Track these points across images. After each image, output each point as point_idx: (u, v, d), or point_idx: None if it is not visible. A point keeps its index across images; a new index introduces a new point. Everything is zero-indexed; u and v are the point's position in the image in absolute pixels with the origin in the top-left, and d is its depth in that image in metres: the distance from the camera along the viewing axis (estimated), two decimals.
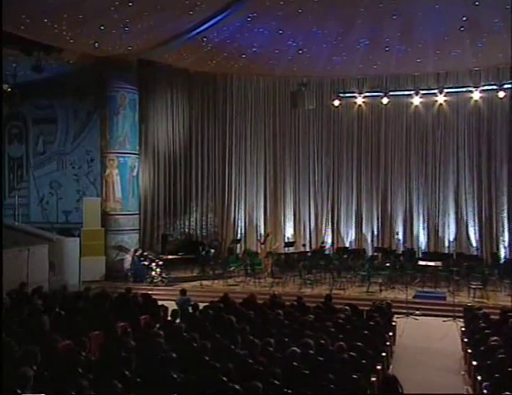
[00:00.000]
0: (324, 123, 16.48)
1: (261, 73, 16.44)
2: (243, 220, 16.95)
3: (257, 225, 16.86)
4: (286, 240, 16.18)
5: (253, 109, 16.90)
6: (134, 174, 15.22)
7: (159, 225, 16.53)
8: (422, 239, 15.49)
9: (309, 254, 14.75)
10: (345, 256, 14.40)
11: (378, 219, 16.02)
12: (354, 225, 16.18)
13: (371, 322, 7.63)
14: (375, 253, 14.76)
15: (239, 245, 16.52)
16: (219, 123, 17.01)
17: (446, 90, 14.42)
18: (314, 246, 16.12)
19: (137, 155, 15.41)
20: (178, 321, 7.62)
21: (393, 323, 9.06)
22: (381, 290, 12.35)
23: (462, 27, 12.10)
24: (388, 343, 7.64)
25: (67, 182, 17.22)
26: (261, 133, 16.92)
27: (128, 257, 14.57)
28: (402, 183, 15.85)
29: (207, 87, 16.90)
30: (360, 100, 15.36)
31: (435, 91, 14.49)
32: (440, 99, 14.55)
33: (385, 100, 14.88)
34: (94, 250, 14.19)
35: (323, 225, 16.45)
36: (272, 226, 16.65)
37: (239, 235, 16.81)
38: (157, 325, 7.37)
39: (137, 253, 14.27)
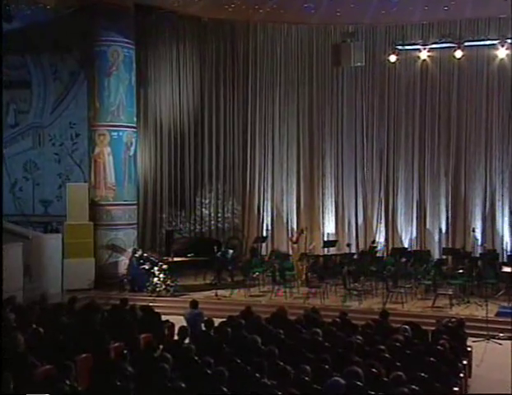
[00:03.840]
0: (377, 85, 16.28)
1: (293, 21, 16.29)
2: (269, 213, 16.99)
3: (287, 218, 16.89)
4: (326, 239, 16.16)
5: (282, 68, 16.84)
6: (131, 153, 15.36)
7: (162, 219, 16.67)
8: (507, 239, 15.26)
9: (355, 257, 14.73)
10: (403, 259, 14.29)
11: (447, 211, 15.81)
12: (415, 218, 16.03)
13: (438, 347, 7.52)
14: (444, 256, 14.63)
15: (264, 244, 16.61)
16: (239, 88, 17.01)
17: None
18: (361, 246, 16.07)
19: (134, 129, 15.52)
20: (187, 341, 7.67)
21: (468, 349, 8.93)
22: (452, 305, 12.21)
23: None
24: (461, 374, 7.54)
25: (46, 163, 17.47)
26: (293, 100, 16.84)
27: (124, 260, 14.75)
28: (480, 164, 15.60)
29: (224, 40, 16.88)
30: (424, 54, 15.10)
31: None
32: None
33: (459, 54, 14.59)
34: (80, 250, 14.40)
35: (375, 218, 16.37)
36: (308, 220, 16.65)
37: (264, 232, 16.88)
38: (161, 346, 7.41)
39: (135, 255, 14.44)
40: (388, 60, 15.29)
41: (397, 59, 15.22)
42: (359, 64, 15.11)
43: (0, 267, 7.86)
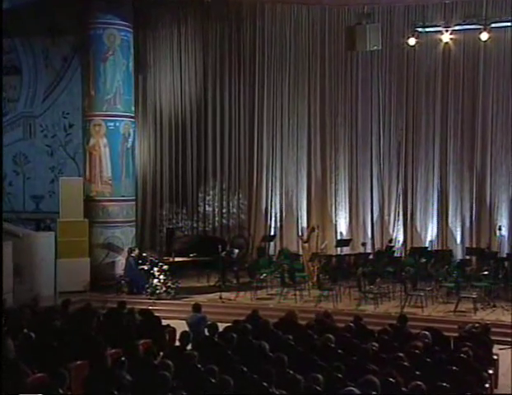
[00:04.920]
0: (394, 70, 16.21)
1: (304, 1, 16.27)
2: (278, 209, 16.99)
3: (297, 215, 16.88)
4: (339, 237, 16.15)
5: (292, 53, 16.79)
6: (129, 144, 15.40)
7: (162, 216, 16.73)
8: None
9: (370, 257, 14.70)
10: (423, 260, 14.25)
11: (471, 207, 15.73)
12: (436, 216, 15.97)
13: (461, 355, 7.50)
14: (467, 257, 14.55)
15: (272, 244, 16.60)
16: (245, 74, 17.00)
17: None
18: (378, 245, 16.06)
19: (132, 119, 15.56)
20: (189, 347, 7.68)
21: (494, 357, 8.88)
22: (476, 310, 12.17)
23: None
24: (486, 385, 7.50)
25: (38, 156, 17.56)
26: (303, 88, 16.80)
27: (122, 260, 14.79)
28: (507, 157, 15.48)
29: (228, 22, 16.86)
30: (446, 37, 15.02)
31: None
32: None
33: (484, 36, 14.49)
34: (74, 250, 14.47)
35: (392, 216, 16.31)
36: (319, 218, 16.63)
37: (272, 230, 16.87)
38: (161, 353, 7.45)
39: (132, 254, 14.47)
40: (407, 43, 15.20)
41: (417, 42, 15.13)
42: (375, 48, 15.01)
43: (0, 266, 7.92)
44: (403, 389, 6.00)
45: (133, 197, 15.68)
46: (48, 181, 17.34)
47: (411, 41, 15.08)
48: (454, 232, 15.80)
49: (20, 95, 17.55)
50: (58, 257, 14.23)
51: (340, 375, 6.39)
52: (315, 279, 14.10)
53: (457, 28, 14.95)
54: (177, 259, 14.57)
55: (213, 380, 6.11)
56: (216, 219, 17.07)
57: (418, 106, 16.10)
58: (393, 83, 16.25)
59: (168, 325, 9.50)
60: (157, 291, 13.57)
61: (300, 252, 15.41)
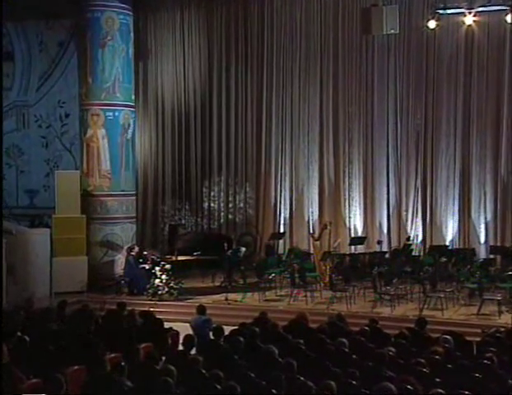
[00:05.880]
0: (413, 55, 16.13)
1: None
2: (288, 205, 17.00)
3: (308, 211, 16.88)
4: (353, 235, 16.15)
5: (303, 37, 16.75)
6: (128, 136, 15.43)
7: (165, 212, 16.76)
8: None
9: (387, 256, 14.72)
10: (443, 259, 14.22)
11: (496, 203, 15.65)
12: (457, 212, 15.90)
13: (485, 361, 7.44)
14: (491, 256, 14.53)
15: (281, 242, 16.62)
16: (252, 60, 17.00)
17: None
18: (394, 243, 16.03)
19: (132, 109, 15.59)
20: (193, 352, 7.69)
21: None
22: (500, 312, 12.06)
23: None
24: (511, 393, 7.48)
25: (32, 148, 17.64)
26: (315, 75, 16.76)
27: (121, 258, 14.84)
28: None
29: (235, 5, 16.86)
30: (469, 19, 14.90)
31: None
32: None
33: (510, 18, 14.37)
34: (71, 247, 14.52)
35: (410, 211, 16.27)
36: (332, 214, 16.64)
37: (281, 227, 16.89)
38: (163, 358, 7.43)
39: (133, 253, 14.51)
40: (427, 26, 15.09)
41: (438, 25, 15.01)
42: (392, 31, 14.96)
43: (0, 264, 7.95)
44: None
45: (134, 192, 15.72)
46: (43, 174, 17.41)
47: (432, 24, 14.96)
48: (477, 229, 15.72)
49: (13, 82, 17.60)
50: (54, 256, 14.27)
51: (354, 382, 6.37)
52: (327, 279, 14.07)
53: (481, 9, 14.81)
54: (180, 258, 14.63)
55: (218, 387, 6.10)
56: (222, 215, 17.11)
57: (439, 94, 16.01)
58: (411, 69, 16.17)
59: (170, 328, 9.49)
60: (159, 292, 13.58)
61: (311, 250, 15.43)
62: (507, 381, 7.56)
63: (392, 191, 16.40)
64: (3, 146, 17.32)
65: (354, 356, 7.43)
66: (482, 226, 15.73)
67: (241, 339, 7.99)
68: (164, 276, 13.68)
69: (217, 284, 14.73)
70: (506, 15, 14.41)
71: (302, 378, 6.21)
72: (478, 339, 8.82)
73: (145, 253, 14.69)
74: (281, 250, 16.37)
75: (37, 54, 17.38)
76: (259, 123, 17.04)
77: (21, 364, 6.86)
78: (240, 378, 6.30)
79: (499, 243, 15.33)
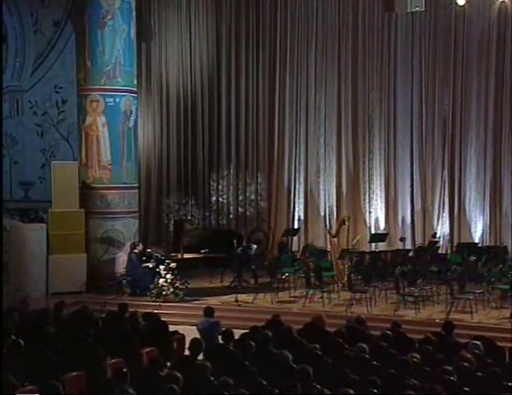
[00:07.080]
0: (440, 35, 16.08)
1: None
2: (302, 199, 17.05)
3: (325, 206, 16.89)
4: (373, 231, 16.15)
5: (319, 17, 16.76)
6: (130, 123, 15.44)
7: (169, 206, 16.75)
8: None
9: (410, 254, 14.67)
10: (472, 258, 14.16)
11: None
12: (488, 206, 15.89)
13: None
14: None
15: (296, 238, 16.66)
16: (264, 42, 17.02)
17: None
18: (419, 241, 16.01)
19: (134, 94, 15.59)
20: (201, 357, 7.69)
21: None
22: None
23: None
24: None
25: (26, 136, 17.69)
26: (333, 58, 16.78)
27: (123, 256, 14.87)
28: None
29: None
30: None
31: None
32: None
33: None
34: (69, 244, 14.54)
35: (436, 206, 16.28)
36: (351, 208, 16.67)
37: (296, 223, 16.90)
38: (168, 363, 7.46)
39: (135, 250, 14.54)
40: (456, 3, 15.13)
41: (468, 1, 15.03)
42: (417, 9, 14.99)
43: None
44: None
45: (136, 185, 15.74)
46: (39, 165, 17.47)
47: (461, 0, 14.92)
48: (510, 225, 15.67)
49: (5, 66, 17.58)
50: (50, 253, 14.33)
51: (375, 391, 6.37)
52: (346, 279, 14.06)
53: None
54: (186, 256, 14.65)
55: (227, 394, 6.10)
56: (231, 209, 17.13)
57: (468, 78, 15.97)
58: (438, 50, 16.12)
59: (176, 331, 9.52)
60: (164, 292, 13.58)
61: (328, 248, 15.44)
62: None
63: (416, 184, 16.41)
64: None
65: (375, 363, 7.42)
66: None
67: (252, 344, 7.97)
68: (169, 276, 13.70)
69: (226, 284, 14.77)
70: None
71: (318, 387, 6.23)
72: (511, 345, 8.81)
73: (148, 250, 14.71)
74: (295, 247, 16.46)
75: (31, 35, 17.41)
76: (272, 109, 17.04)
77: (16, 370, 6.86)
78: (251, 385, 6.31)
79: None
